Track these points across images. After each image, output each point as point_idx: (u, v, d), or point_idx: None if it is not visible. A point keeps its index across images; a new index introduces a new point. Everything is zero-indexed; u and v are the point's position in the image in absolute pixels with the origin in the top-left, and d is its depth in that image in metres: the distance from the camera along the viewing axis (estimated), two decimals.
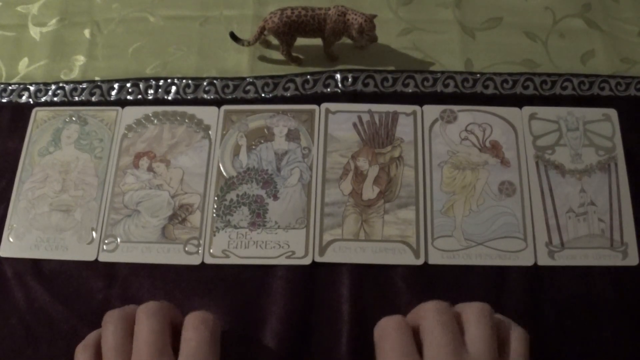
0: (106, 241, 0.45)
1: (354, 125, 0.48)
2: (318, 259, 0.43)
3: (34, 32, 0.55)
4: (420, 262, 0.43)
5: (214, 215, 0.45)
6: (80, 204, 0.46)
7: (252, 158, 0.47)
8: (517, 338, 0.34)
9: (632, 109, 0.49)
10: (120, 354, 0.33)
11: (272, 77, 0.51)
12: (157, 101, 0.50)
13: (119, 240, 0.45)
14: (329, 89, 0.50)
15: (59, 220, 0.45)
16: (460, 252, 0.43)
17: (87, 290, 0.43)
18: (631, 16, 0.54)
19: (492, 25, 0.54)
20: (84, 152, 0.48)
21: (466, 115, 0.48)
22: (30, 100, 0.51)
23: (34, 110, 0.50)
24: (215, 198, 0.46)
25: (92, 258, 0.44)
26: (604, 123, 0.48)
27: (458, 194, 0.45)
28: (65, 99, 0.51)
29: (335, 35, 0.49)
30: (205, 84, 0.51)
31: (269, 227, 0.44)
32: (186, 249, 0.44)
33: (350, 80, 0.50)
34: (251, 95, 0.50)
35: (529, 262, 0.43)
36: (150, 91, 0.51)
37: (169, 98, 0.50)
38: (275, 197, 0.46)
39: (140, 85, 0.51)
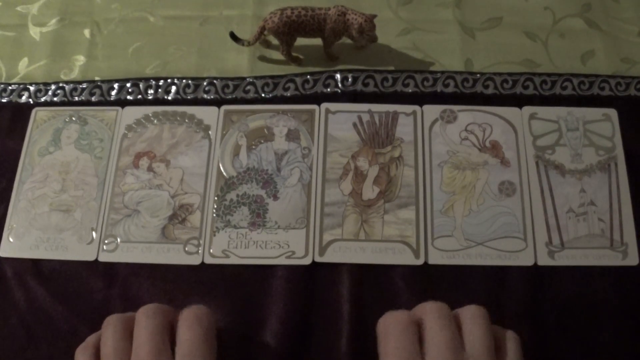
0: (106, 241, 0.45)
1: (354, 125, 0.48)
2: (318, 259, 0.43)
3: (34, 32, 0.55)
4: (420, 262, 0.43)
5: (214, 215, 0.45)
6: (80, 204, 0.46)
7: (252, 158, 0.47)
8: (511, 339, 0.34)
9: (632, 109, 0.48)
10: (120, 355, 0.33)
11: (272, 77, 0.51)
12: (157, 101, 0.50)
13: (119, 240, 0.45)
14: (329, 89, 0.50)
15: (59, 220, 0.45)
16: (460, 252, 0.43)
17: (87, 290, 0.43)
18: (631, 16, 0.54)
19: (492, 25, 0.54)
20: (84, 152, 0.48)
21: (466, 115, 0.48)
22: (30, 100, 0.51)
23: (34, 110, 0.50)
24: (215, 198, 0.46)
25: (92, 258, 0.44)
26: (604, 123, 0.48)
27: (458, 194, 0.45)
28: (65, 99, 0.51)
29: (335, 35, 0.49)
30: (205, 84, 0.51)
31: (269, 227, 0.44)
32: (186, 249, 0.44)
33: (350, 80, 0.50)
34: (251, 95, 0.50)
35: (529, 262, 0.43)
36: (150, 91, 0.51)
37: (169, 98, 0.50)
38: (275, 197, 0.45)
39: (140, 85, 0.51)
